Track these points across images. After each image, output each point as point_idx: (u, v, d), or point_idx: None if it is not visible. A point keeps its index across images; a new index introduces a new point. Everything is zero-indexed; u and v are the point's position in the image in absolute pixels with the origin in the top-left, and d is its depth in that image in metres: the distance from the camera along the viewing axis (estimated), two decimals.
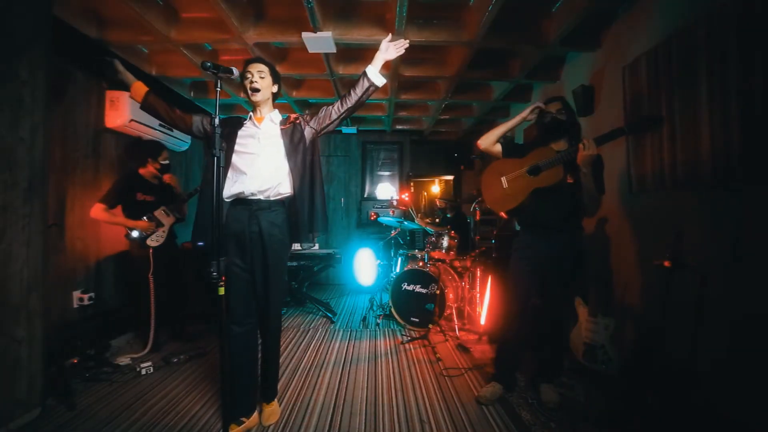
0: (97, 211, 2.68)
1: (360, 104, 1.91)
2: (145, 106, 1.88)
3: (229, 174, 1.87)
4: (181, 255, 3.29)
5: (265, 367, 2.00)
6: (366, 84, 1.86)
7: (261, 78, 1.86)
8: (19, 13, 1.88)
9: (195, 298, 3.59)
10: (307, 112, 2.00)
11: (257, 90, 1.85)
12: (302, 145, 1.93)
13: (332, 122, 1.95)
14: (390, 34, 1.93)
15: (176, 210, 3.01)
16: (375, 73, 1.85)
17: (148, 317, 2.78)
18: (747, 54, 1.67)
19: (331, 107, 1.94)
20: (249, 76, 1.85)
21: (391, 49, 1.85)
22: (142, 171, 2.90)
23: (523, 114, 2.18)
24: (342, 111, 1.91)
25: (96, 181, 2.95)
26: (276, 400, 2.03)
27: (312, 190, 1.96)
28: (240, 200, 1.90)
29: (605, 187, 2.06)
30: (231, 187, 1.87)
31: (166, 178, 3.02)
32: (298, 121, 1.96)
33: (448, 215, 4.60)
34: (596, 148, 1.86)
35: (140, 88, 1.86)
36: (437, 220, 4.42)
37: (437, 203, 4.79)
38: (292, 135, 1.92)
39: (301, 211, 1.91)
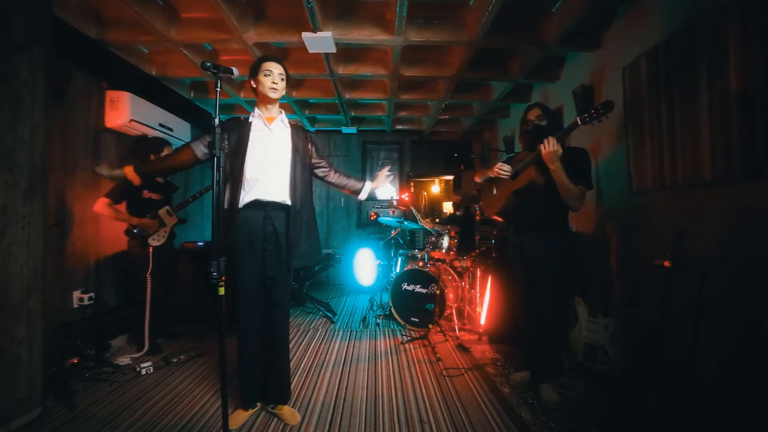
0: (101, 205, 2.64)
1: (337, 188, 2.19)
2: (144, 178, 1.86)
3: (243, 182, 1.84)
4: (179, 255, 3.30)
5: (276, 368, 1.99)
6: (357, 189, 2.17)
7: (282, 80, 1.89)
8: (19, 13, 1.88)
9: (195, 298, 3.60)
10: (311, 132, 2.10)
11: (276, 90, 1.87)
12: (307, 159, 2.02)
13: (316, 170, 2.11)
14: (386, 168, 2.22)
15: (180, 211, 3.03)
16: (367, 191, 2.17)
17: (143, 317, 2.76)
18: (746, 54, 1.67)
19: (328, 168, 2.14)
20: (269, 74, 1.85)
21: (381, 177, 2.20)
22: None
23: (494, 171, 2.23)
24: (327, 178, 2.14)
25: (96, 181, 2.95)
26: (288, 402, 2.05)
27: (310, 213, 2.02)
28: (254, 203, 1.87)
29: (592, 182, 2.10)
30: (245, 196, 1.85)
31: None
32: (304, 136, 2.03)
33: (457, 213, 4.58)
34: (557, 145, 1.93)
35: (130, 171, 1.81)
36: (437, 220, 4.42)
37: (452, 198, 4.76)
38: (296, 143, 1.97)
39: (298, 233, 1.93)
